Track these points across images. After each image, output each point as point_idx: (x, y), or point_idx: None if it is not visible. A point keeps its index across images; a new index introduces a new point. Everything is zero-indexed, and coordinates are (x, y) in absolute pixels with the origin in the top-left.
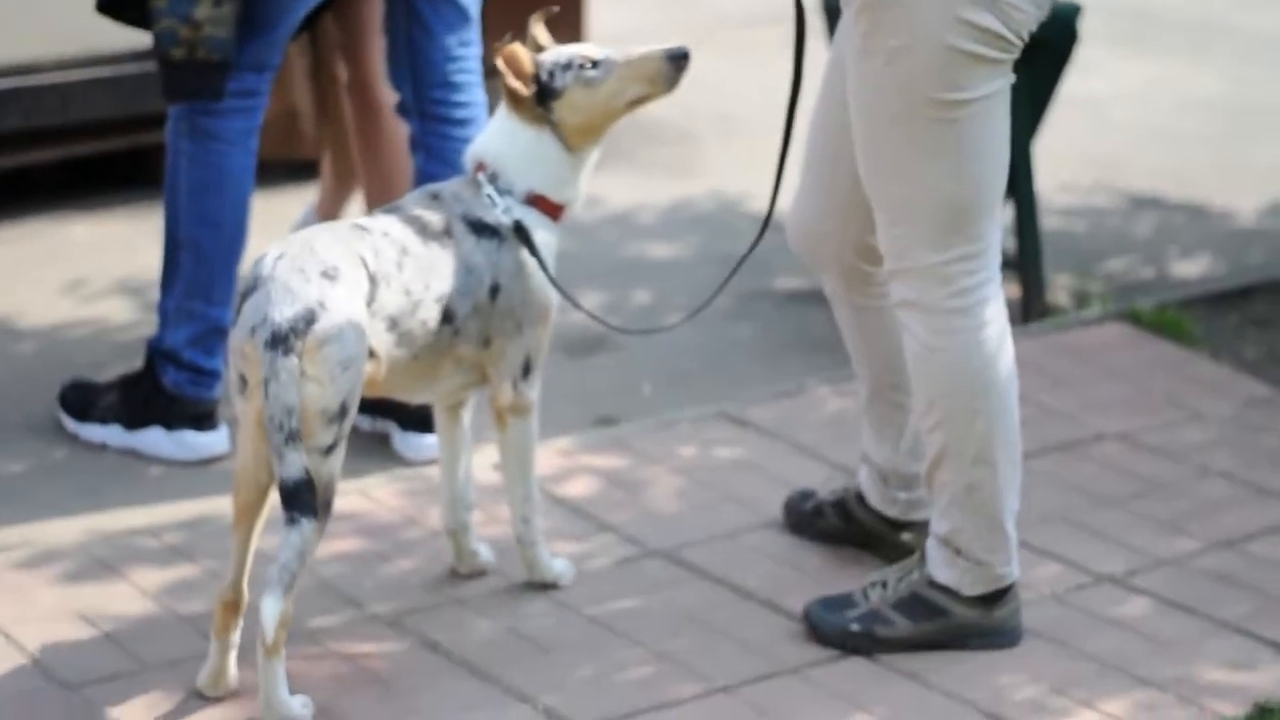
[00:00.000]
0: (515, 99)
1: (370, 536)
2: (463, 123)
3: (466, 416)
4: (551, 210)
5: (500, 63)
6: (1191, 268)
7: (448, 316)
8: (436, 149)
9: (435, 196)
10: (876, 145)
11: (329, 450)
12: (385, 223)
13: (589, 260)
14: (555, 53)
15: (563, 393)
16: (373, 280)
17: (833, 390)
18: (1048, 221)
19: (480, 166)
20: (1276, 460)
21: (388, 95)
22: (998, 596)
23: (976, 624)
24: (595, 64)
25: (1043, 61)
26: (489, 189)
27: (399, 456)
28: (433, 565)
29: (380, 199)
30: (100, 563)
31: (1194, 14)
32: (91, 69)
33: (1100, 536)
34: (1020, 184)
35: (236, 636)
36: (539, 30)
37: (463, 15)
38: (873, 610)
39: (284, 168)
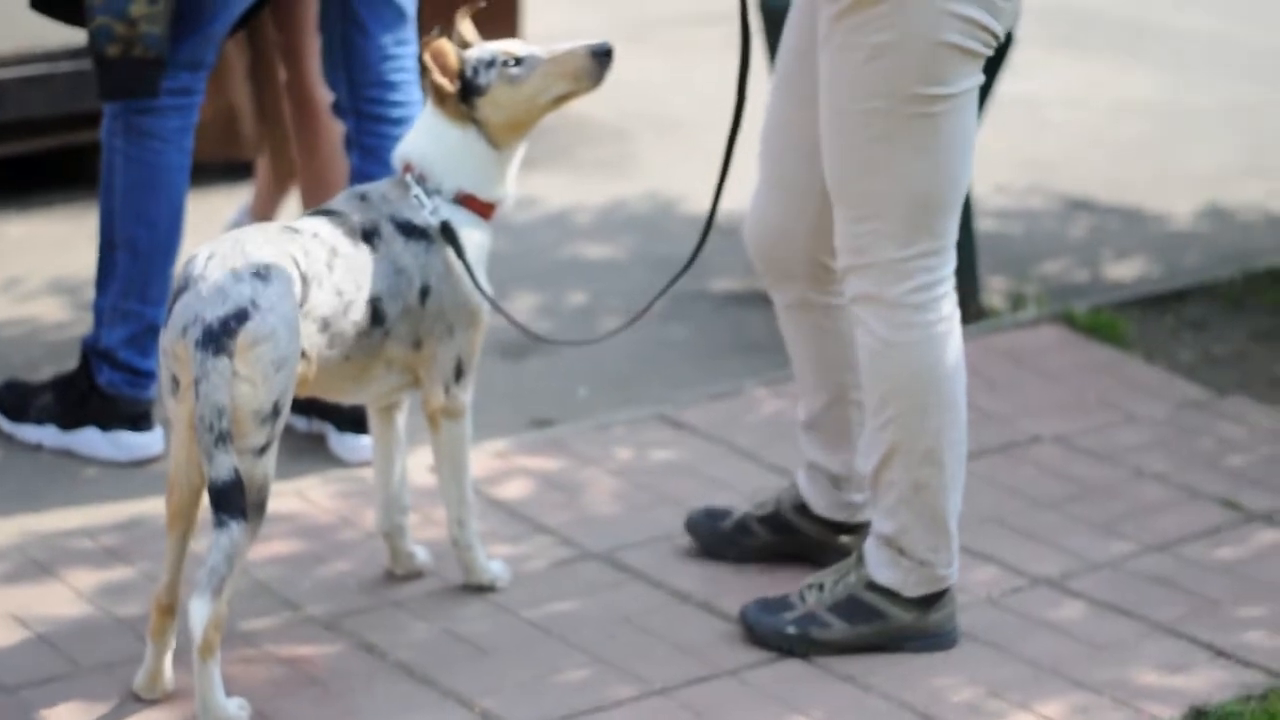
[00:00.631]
0: (440, 96)
1: (306, 538)
2: (399, 122)
3: (400, 419)
4: (481, 209)
5: (427, 58)
6: (1126, 270)
7: (378, 318)
8: (372, 148)
9: (363, 197)
10: (850, 141)
11: (262, 451)
12: (315, 224)
13: (524, 261)
14: (480, 49)
15: (498, 394)
16: (305, 281)
17: (770, 392)
18: (982, 224)
19: (407, 167)
20: (1211, 463)
21: (323, 94)
22: (936, 599)
23: (913, 626)
24: (519, 61)
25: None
26: (416, 190)
27: (335, 458)
28: (369, 567)
29: (316, 199)
30: (36, 564)
31: (1130, 15)
32: (25, 66)
33: (1036, 539)
34: None
35: (172, 639)
36: (465, 26)
37: (399, 14)
38: (809, 613)
39: (218, 167)
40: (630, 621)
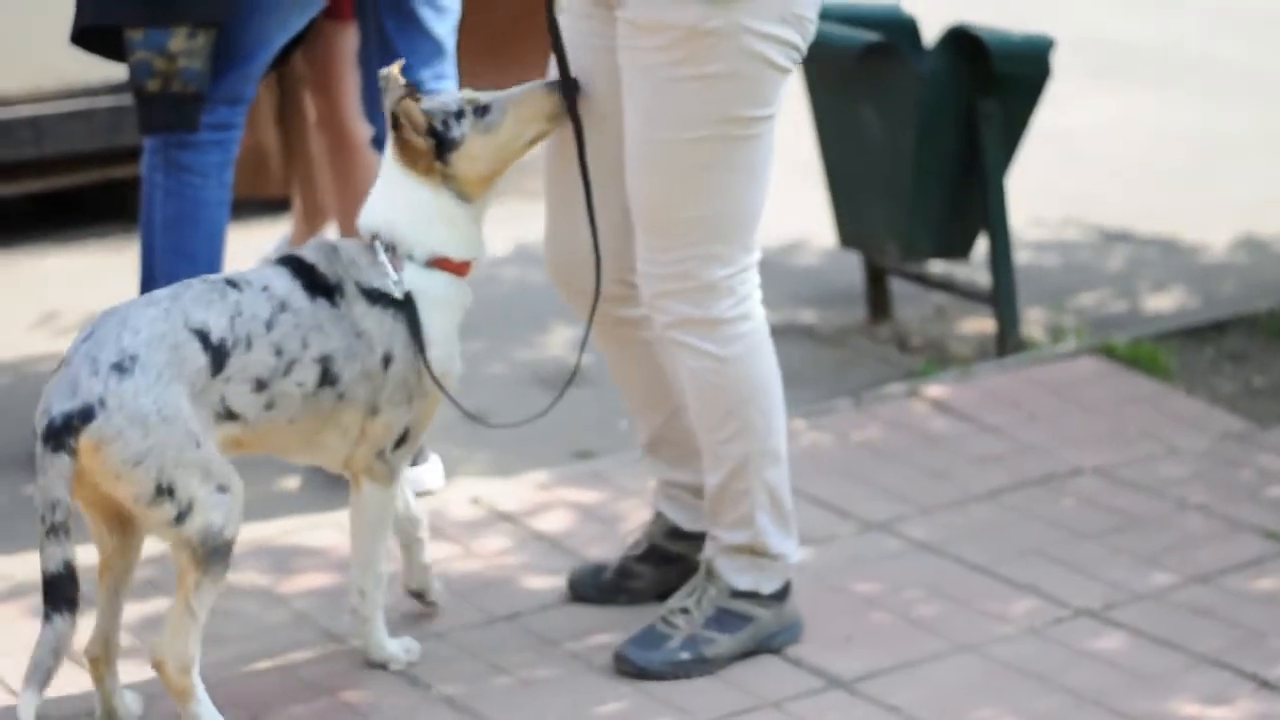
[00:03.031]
0: (412, 156)
1: (345, 570)
2: None
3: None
4: (457, 269)
5: (402, 120)
6: (1164, 302)
7: (329, 378)
8: None
9: (335, 251)
10: (676, 170)
11: (180, 519)
12: (271, 275)
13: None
14: (436, 102)
15: (540, 426)
16: (219, 350)
17: (808, 424)
18: (1020, 256)
19: (373, 238)
20: (1252, 494)
21: (362, 129)
22: (786, 591)
23: (775, 622)
24: (486, 107)
25: (1016, 95)
26: (383, 257)
27: None
28: (409, 600)
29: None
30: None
31: (1167, 46)
32: (66, 101)
33: (1077, 570)
34: (994, 218)
35: (115, 679)
36: (396, 75)
37: (437, 48)
38: (691, 635)
39: (257, 202)
40: None
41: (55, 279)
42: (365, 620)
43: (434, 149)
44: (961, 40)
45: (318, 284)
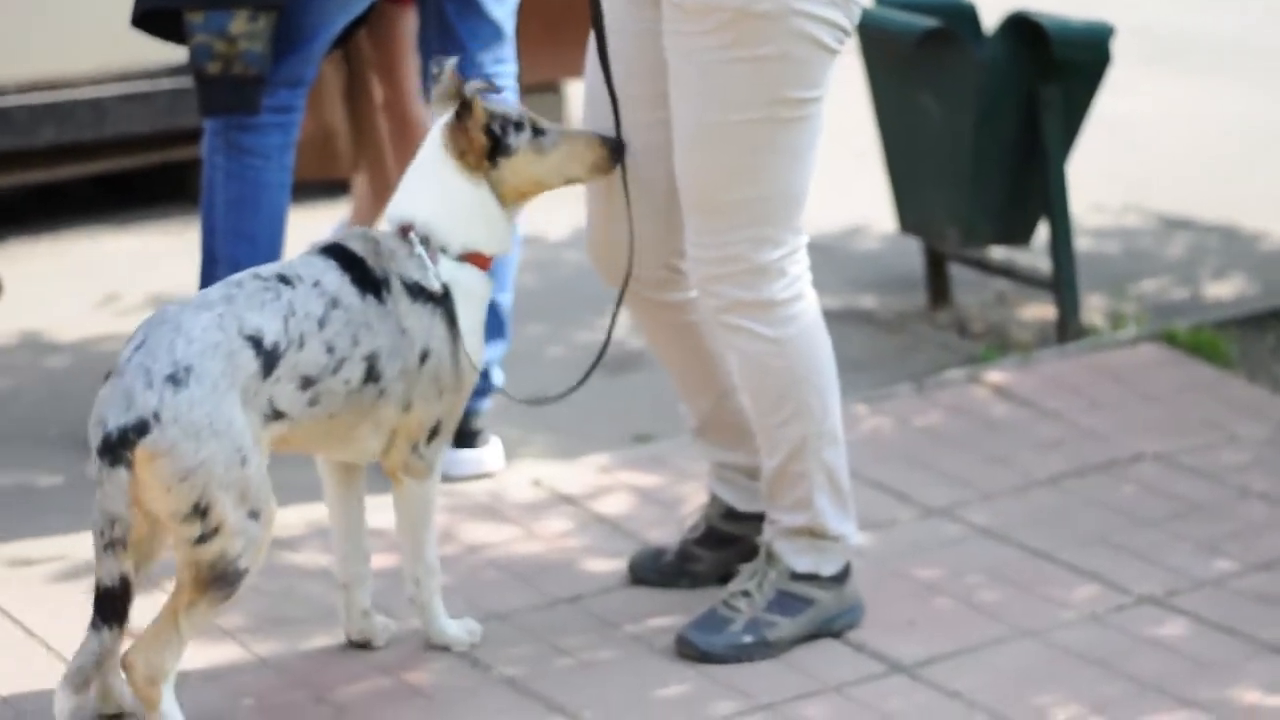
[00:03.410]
0: (466, 148)
1: None
2: None
3: (358, 468)
4: (483, 263)
5: (475, 109)
6: (1224, 289)
7: (373, 375)
8: None
9: (377, 243)
10: (726, 153)
11: (201, 540)
12: (322, 268)
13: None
14: (501, 105)
15: (600, 410)
16: (272, 353)
17: (869, 409)
18: (1080, 242)
19: (406, 229)
20: None
21: (422, 112)
22: (846, 572)
23: (836, 604)
24: (544, 131)
25: (1077, 82)
26: (420, 250)
27: None
28: (471, 581)
29: None
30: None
31: (1227, 36)
32: (126, 84)
33: (1139, 557)
34: (1055, 204)
35: (117, 670)
36: (450, 66)
37: (497, 32)
38: (753, 619)
39: (317, 184)
40: None
41: (116, 261)
42: (424, 606)
43: (488, 149)
44: (1022, 26)
45: (367, 279)
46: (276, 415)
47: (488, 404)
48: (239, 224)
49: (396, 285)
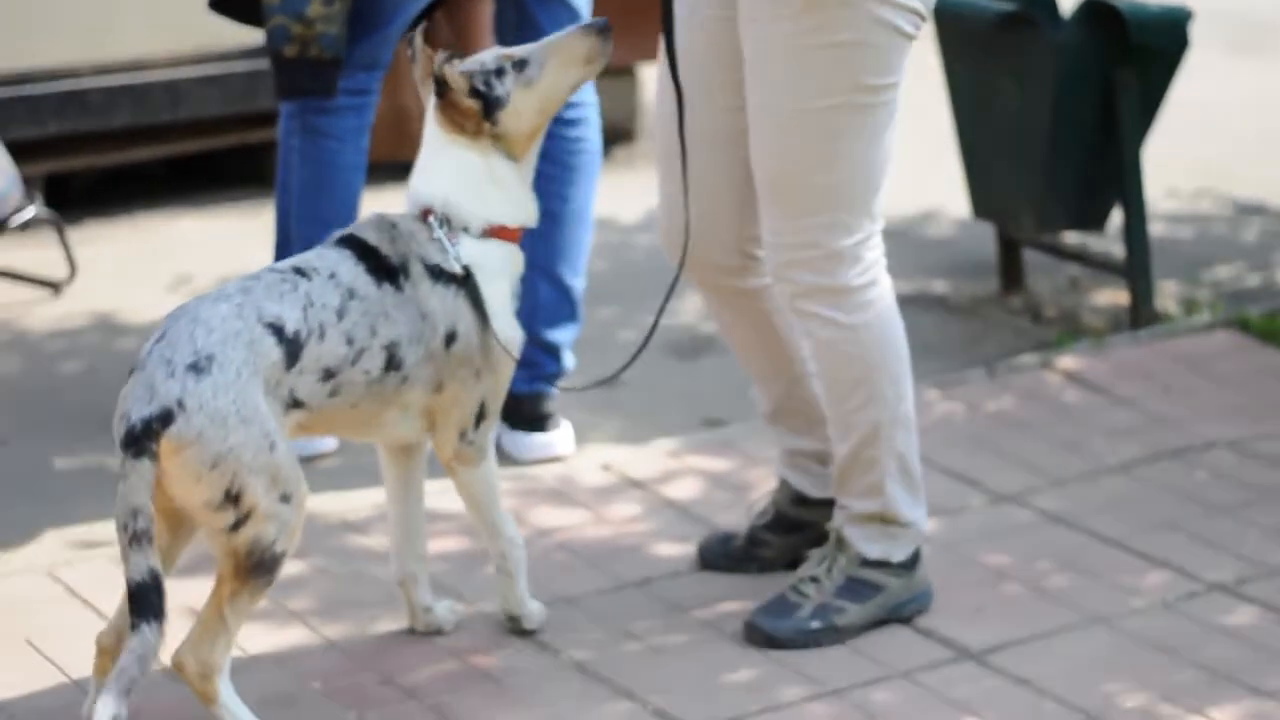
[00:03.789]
0: (459, 121)
1: (477, 535)
2: (574, 123)
3: (420, 458)
4: (511, 236)
5: (449, 82)
6: None
7: (394, 363)
8: (548, 149)
9: (394, 228)
10: (805, 139)
11: (235, 527)
12: (336, 260)
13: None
14: (473, 62)
15: (670, 394)
16: (294, 342)
17: (941, 394)
18: (1154, 228)
19: (427, 212)
20: None
21: None
22: (916, 558)
23: (905, 590)
24: (524, 61)
25: (1154, 67)
26: (439, 233)
27: (507, 455)
28: (540, 565)
29: None
30: (209, 559)
31: None
32: (201, 66)
33: (1210, 544)
34: (1130, 190)
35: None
36: (422, 44)
37: (573, 15)
38: (821, 604)
39: (392, 166)
40: None
41: (190, 243)
42: (509, 575)
43: (481, 109)
44: (1099, 11)
45: (382, 267)
46: (296, 404)
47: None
48: (314, 206)
49: (416, 269)
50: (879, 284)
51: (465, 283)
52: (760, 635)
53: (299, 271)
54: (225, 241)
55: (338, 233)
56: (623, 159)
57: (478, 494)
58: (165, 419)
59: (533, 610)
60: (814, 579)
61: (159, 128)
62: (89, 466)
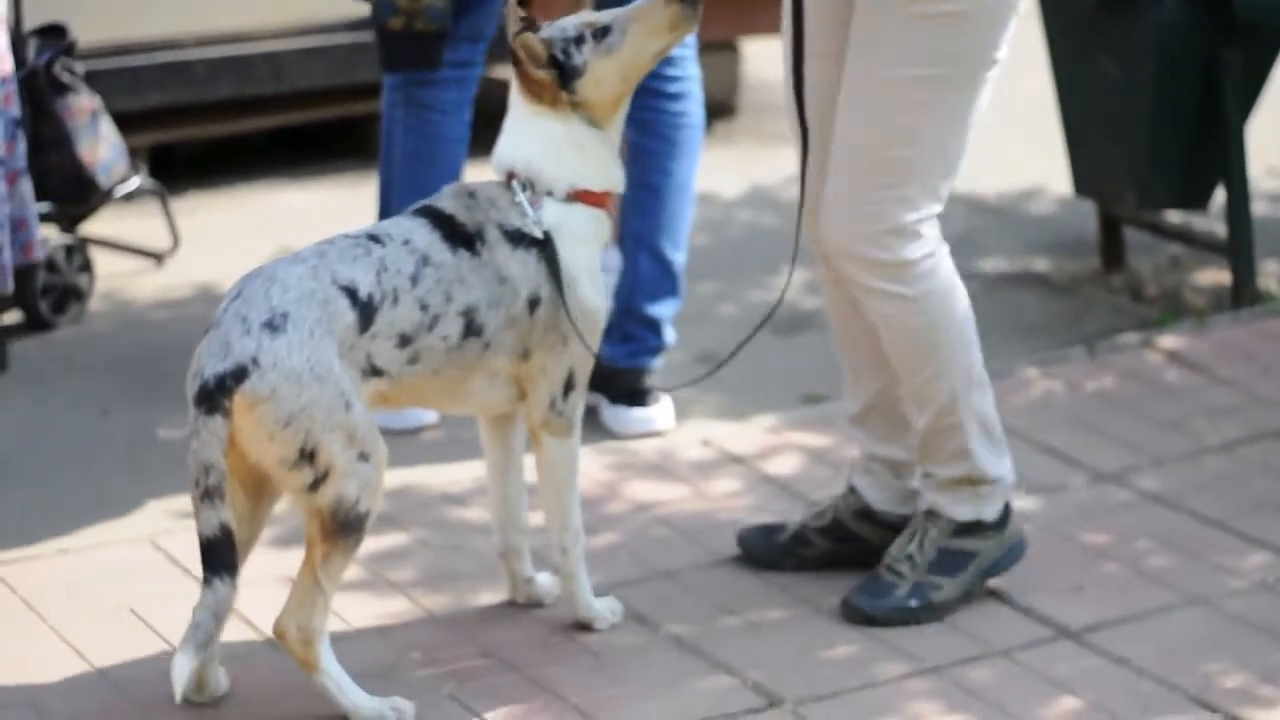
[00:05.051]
0: (537, 90)
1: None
2: (676, 96)
3: (516, 432)
4: (598, 200)
5: (520, 53)
6: None
7: (473, 329)
8: (649, 122)
9: (471, 196)
10: (895, 109)
11: (314, 486)
12: (410, 228)
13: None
14: (555, 29)
15: (770, 370)
16: (367, 305)
17: (1041, 373)
18: (1256, 207)
19: (511, 176)
20: None
21: None
22: (1007, 514)
23: (998, 549)
24: (606, 29)
25: (1258, 45)
26: (520, 197)
27: (607, 430)
28: (640, 539)
29: None
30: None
31: None
32: (305, 38)
33: None
34: (1233, 169)
35: (215, 649)
36: (515, 7)
37: None
38: (917, 583)
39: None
40: None
41: (292, 214)
42: (570, 578)
43: (558, 79)
44: None
45: (458, 234)
46: (375, 372)
47: (659, 363)
48: (416, 178)
49: (493, 234)
50: (936, 255)
51: (545, 247)
52: (859, 614)
53: (373, 238)
54: (327, 213)
55: (416, 204)
56: (723, 134)
57: (559, 470)
58: (239, 375)
59: (601, 612)
60: (908, 557)
61: (262, 99)
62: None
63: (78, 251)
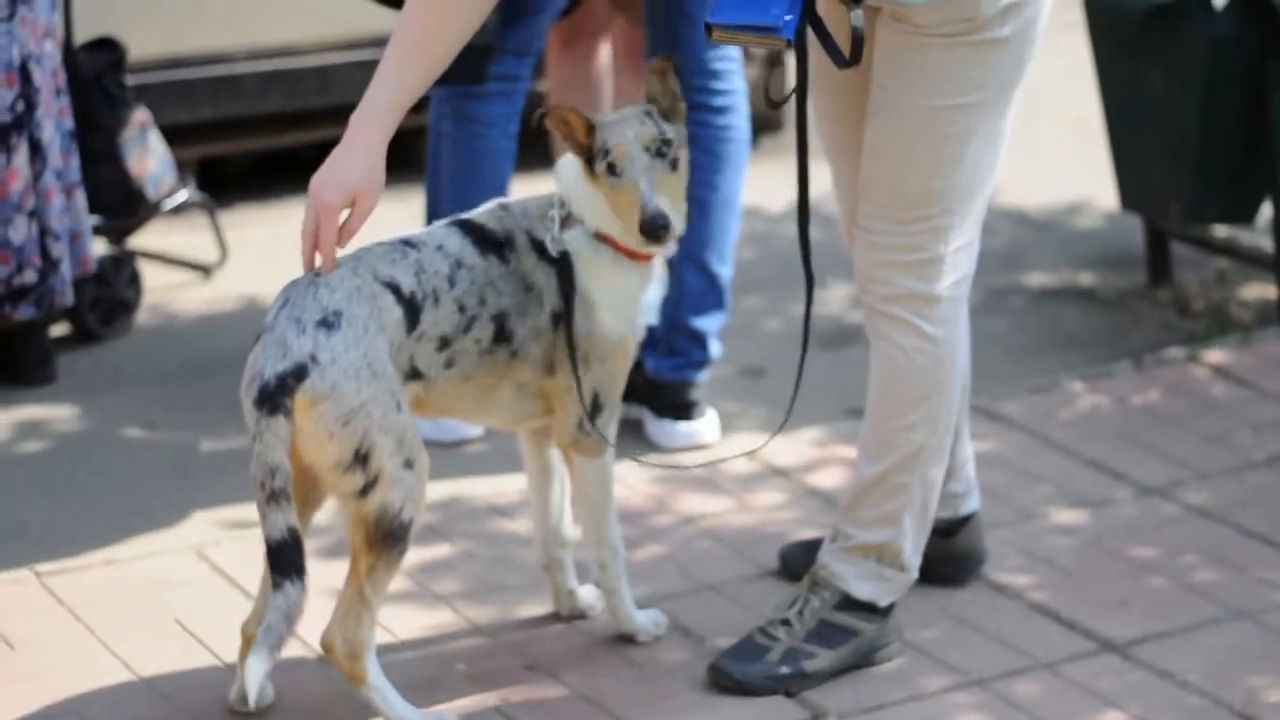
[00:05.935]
0: (577, 150)
1: (622, 522)
2: (722, 110)
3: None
4: (628, 253)
5: (560, 127)
6: None
7: (503, 335)
8: (697, 137)
9: (504, 208)
10: (936, 140)
11: (364, 491)
12: (443, 235)
13: (838, 250)
14: (606, 132)
15: (815, 383)
16: (411, 303)
17: (1086, 387)
18: None
19: (557, 197)
20: None
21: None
22: (893, 606)
23: (879, 634)
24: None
25: None
26: (552, 212)
27: (652, 443)
28: (685, 551)
29: None
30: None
31: None
32: (352, 52)
33: None
34: (1279, 183)
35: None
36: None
37: None
38: (791, 649)
39: (540, 154)
40: (946, 612)
41: None
42: (611, 593)
43: (586, 162)
44: (1252, 3)
45: (487, 240)
46: (415, 375)
47: (705, 376)
48: (463, 191)
49: (522, 240)
50: (964, 301)
51: (570, 266)
52: (727, 679)
53: (407, 243)
54: (374, 226)
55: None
56: (769, 149)
57: (591, 488)
58: (299, 374)
59: (643, 625)
60: (785, 621)
61: (310, 113)
62: (236, 449)
63: (126, 264)
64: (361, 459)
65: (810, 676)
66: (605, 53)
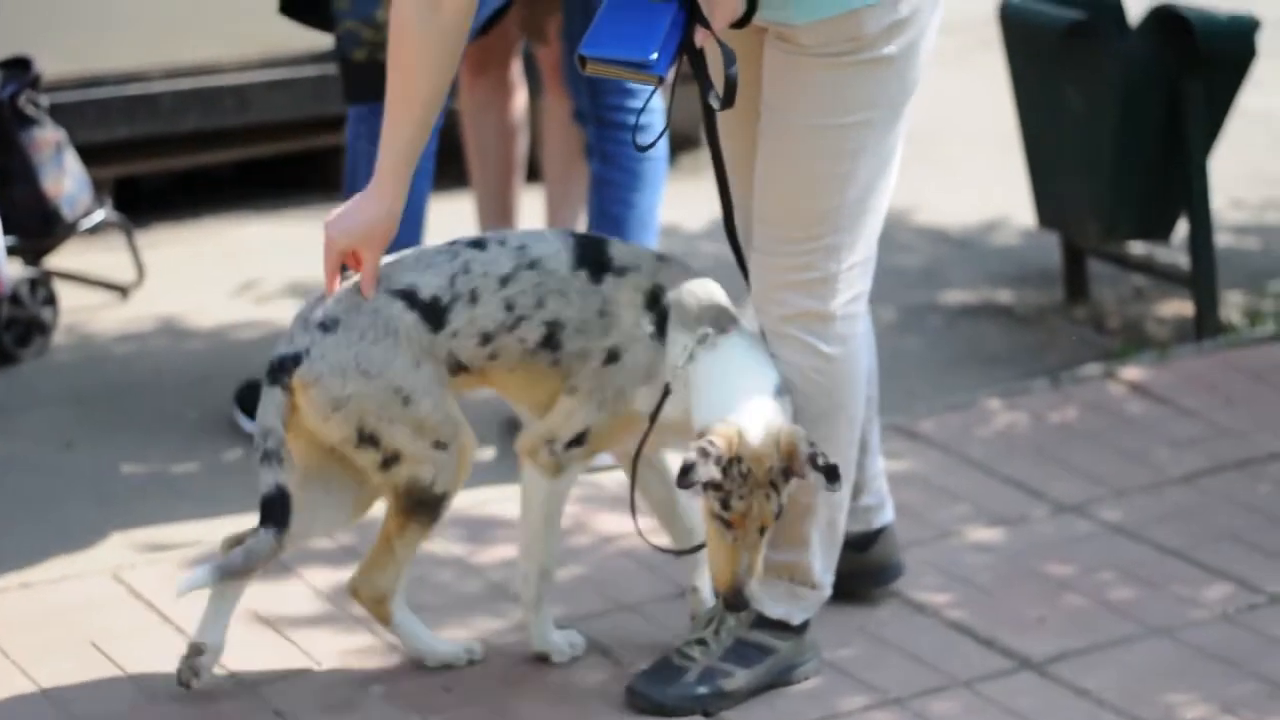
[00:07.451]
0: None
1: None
2: (640, 128)
3: (659, 459)
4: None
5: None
6: None
7: (552, 342)
8: (612, 155)
9: (661, 260)
10: (826, 157)
11: (385, 465)
12: (546, 237)
13: None
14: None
15: None
16: (432, 306)
17: (1004, 404)
18: (1219, 238)
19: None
20: None
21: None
22: (808, 623)
23: (795, 652)
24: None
25: (1221, 76)
26: (705, 330)
27: None
28: (602, 571)
29: (557, 205)
30: (277, 563)
31: None
32: (270, 70)
33: (1273, 556)
34: (1195, 200)
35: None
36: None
37: None
38: (708, 669)
39: (454, 175)
40: (864, 630)
41: (257, 247)
42: (527, 607)
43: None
44: (1166, 19)
45: (596, 260)
46: (460, 367)
47: None
48: None
49: (633, 280)
50: (860, 317)
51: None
52: (645, 702)
53: (475, 243)
54: (292, 246)
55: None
56: (689, 166)
57: (535, 503)
58: (296, 360)
59: (559, 645)
60: (701, 642)
61: (227, 132)
62: (154, 470)
63: (41, 285)
64: (368, 440)
65: (728, 696)
66: (517, 73)
